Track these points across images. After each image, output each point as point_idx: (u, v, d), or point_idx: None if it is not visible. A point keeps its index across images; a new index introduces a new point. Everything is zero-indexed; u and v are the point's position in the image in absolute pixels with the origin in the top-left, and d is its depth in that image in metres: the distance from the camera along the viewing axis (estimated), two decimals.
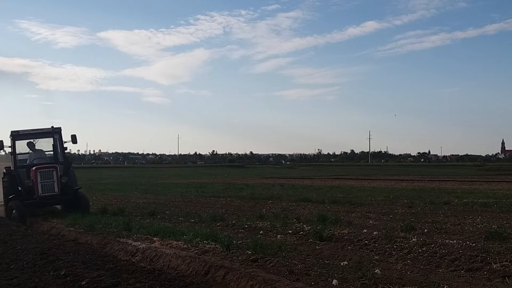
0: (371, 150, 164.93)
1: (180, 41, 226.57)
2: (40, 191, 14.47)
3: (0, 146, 15.41)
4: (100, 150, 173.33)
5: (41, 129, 16.04)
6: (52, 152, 16.26)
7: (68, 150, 17.13)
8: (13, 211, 14.38)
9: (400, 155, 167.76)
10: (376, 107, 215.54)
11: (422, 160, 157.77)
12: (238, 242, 8.13)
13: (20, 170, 15.44)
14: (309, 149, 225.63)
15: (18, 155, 15.89)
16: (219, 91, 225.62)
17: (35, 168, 14.61)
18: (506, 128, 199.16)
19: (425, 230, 9.71)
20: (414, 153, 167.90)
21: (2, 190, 16.11)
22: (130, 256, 8.12)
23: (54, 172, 14.71)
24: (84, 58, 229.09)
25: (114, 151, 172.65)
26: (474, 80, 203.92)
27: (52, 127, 15.84)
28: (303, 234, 9.55)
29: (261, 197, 20.66)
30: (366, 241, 8.43)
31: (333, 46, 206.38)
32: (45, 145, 16.61)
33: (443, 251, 7.29)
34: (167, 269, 7.05)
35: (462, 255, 6.92)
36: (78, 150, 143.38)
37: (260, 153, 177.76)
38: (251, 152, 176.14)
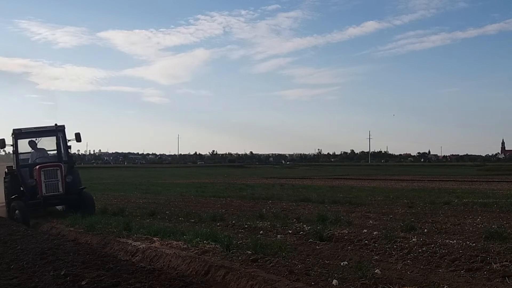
0: (371, 150, 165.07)
1: (180, 41, 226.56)
2: (44, 191, 14.06)
3: (2, 144, 14.94)
4: (100, 150, 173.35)
5: (44, 127, 15.68)
6: (54, 151, 15.93)
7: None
8: (16, 211, 13.91)
9: (400, 155, 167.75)
10: (376, 107, 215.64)
11: (422, 160, 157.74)
12: (238, 242, 8.13)
13: (23, 170, 15.00)
14: (309, 149, 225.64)
15: (20, 155, 15.41)
16: (219, 91, 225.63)
17: (39, 167, 14.21)
18: (506, 128, 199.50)
19: (425, 230, 9.71)
20: (414, 153, 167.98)
21: (3, 190, 15.71)
22: (130, 256, 8.12)
23: (59, 171, 14.30)
24: (84, 58, 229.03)
25: (114, 151, 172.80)
26: (474, 80, 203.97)
27: (56, 124, 15.43)
28: (303, 234, 9.55)
29: (261, 197, 20.67)
30: (366, 241, 8.43)
31: (333, 46, 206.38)
32: (47, 143, 16.19)
33: (443, 251, 7.28)
34: (167, 269, 7.05)
35: (462, 255, 6.92)
36: (78, 150, 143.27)
37: (260, 153, 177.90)
38: (251, 152, 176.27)
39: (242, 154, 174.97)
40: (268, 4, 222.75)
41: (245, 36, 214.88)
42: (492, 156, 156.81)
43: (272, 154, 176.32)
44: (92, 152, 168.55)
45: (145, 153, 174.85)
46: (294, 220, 12.05)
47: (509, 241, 7.87)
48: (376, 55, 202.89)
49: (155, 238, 9.07)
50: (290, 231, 9.99)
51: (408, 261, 6.90)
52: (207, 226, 11.09)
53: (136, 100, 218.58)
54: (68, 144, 15.57)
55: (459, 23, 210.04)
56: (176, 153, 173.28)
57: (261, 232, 10.16)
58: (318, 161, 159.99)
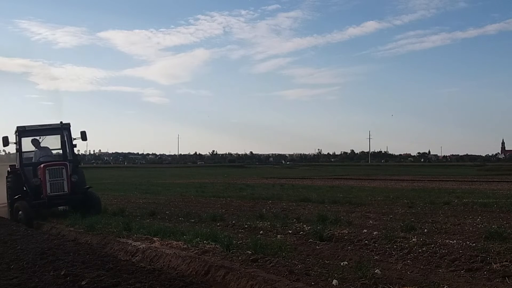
0: (371, 150, 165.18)
1: (180, 41, 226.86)
2: (48, 190, 13.65)
3: (5, 142, 14.47)
4: (100, 150, 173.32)
5: (49, 125, 15.19)
6: (58, 150, 15.50)
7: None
8: (19, 212, 13.52)
9: (400, 155, 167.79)
10: (376, 107, 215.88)
11: (422, 160, 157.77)
12: (238, 242, 8.12)
13: (26, 169, 14.56)
14: (309, 149, 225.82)
15: (23, 153, 14.90)
16: (219, 91, 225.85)
17: (44, 166, 13.80)
18: (506, 128, 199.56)
19: (425, 230, 9.71)
20: (414, 153, 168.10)
21: (5, 190, 15.39)
22: (130, 256, 8.11)
23: (64, 170, 13.87)
24: (84, 58, 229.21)
25: (114, 151, 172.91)
26: (474, 80, 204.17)
27: (61, 122, 14.99)
28: (303, 234, 9.55)
29: (261, 197, 20.66)
30: (366, 241, 8.43)
31: (333, 46, 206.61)
32: (51, 142, 15.82)
33: (443, 251, 7.28)
34: (167, 269, 7.04)
35: (462, 255, 6.91)
36: (78, 150, 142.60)
37: (260, 153, 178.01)
38: (251, 152, 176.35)
39: (242, 154, 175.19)
40: (268, 4, 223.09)
41: (245, 36, 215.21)
42: (492, 156, 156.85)
43: (272, 154, 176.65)
44: (92, 152, 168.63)
45: (145, 153, 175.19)
46: (294, 220, 12.05)
47: (509, 241, 7.87)
48: (376, 55, 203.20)
49: (155, 238, 9.06)
50: (290, 231, 9.99)
51: (408, 261, 6.89)
52: (207, 226, 11.09)
53: (136, 100, 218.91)
54: (74, 142, 15.21)
55: (459, 23, 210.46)
56: (176, 153, 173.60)
57: (261, 232, 10.15)
58: (318, 161, 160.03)
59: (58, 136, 15.39)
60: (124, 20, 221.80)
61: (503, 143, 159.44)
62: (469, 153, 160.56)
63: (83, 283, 5.92)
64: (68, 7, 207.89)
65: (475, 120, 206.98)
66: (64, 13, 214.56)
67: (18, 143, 14.69)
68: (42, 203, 13.85)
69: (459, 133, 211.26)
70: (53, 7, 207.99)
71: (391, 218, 12.40)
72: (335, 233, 9.30)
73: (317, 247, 8.19)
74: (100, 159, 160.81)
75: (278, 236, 9.53)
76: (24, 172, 14.51)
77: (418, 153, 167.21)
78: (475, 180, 41.25)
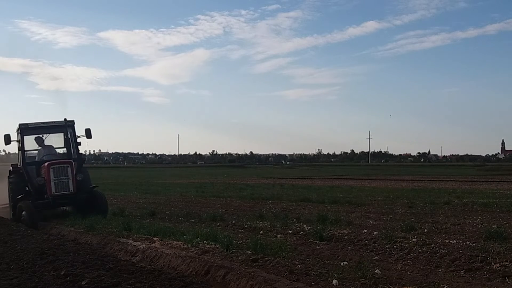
0: (371, 150, 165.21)
1: (180, 41, 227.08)
2: (53, 190, 13.14)
3: (7, 140, 13.81)
4: (100, 150, 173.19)
5: (52, 122, 14.59)
6: (61, 149, 15.16)
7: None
8: (23, 213, 12.99)
9: (400, 155, 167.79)
10: (376, 107, 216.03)
11: (422, 160, 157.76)
12: (238, 242, 8.12)
13: (29, 167, 14.08)
14: (309, 149, 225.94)
15: (25, 152, 14.45)
16: (219, 91, 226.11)
17: (48, 164, 13.27)
18: (506, 128, 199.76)
19: (425, 230, 9.71)
20: (414, 153, 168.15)
21: (7, 190, 14.96)
22: (130, 256, 8.11)
23: (69, 169, 13.35)
24: (84, 58, 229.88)
25: (114, 151, 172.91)
26: (474, 80, 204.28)
27: (65, 119, 14.39)
28: (303, 234, 9.55)
29: (261, 197, 20.66)
30: (366, 241, 8.42)
31: (334, 46, 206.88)
32: (54, 140, 15.38)
33: (443, 251, 7.28)
34: (167, 269, 7.04)
35: (462, 255, 6.91)
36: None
37: (260, 153, 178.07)
38: (251, 152, 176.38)
39: (242, 154, 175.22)
40: (268, 4, 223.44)
41: (245, 36, 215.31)
42: (492, 156, 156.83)
43: (272, 154, 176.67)
44: (92, 152, 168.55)
45: (145, 153, 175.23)
46: (294, 220, 12.05)
47: (509, 241, 7.87)
48: (376, 55, 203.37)
49: (155, 238, 9.06)
50: (290, 231, 9.99)
51: (408, 261, 6.89)
52: (207, 226, 11.09)
53: (136, 100, 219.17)
54: (78, 140, 14.74)
55: (459, 23, 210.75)
56: (176, 153, 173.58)
57: (261, 232, 10.15)
58: (318, 161, 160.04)
59: (62, 134, 15.02)
60: (124, 20, 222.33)
61: (503, 143, 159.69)
62: (469, 153, 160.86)
63: (83, 283, 5.92)
64: (68, 7, 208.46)
65: (475, 120, 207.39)
66: (64, 13, 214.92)
67: (21, 141, 14.23)
68: (46, 203, 13.42)
69: (459, 133, 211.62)
70: (53, 7, 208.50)
71: (391, 218, 12.40)
72: (335, 233, 9.30)
73: (317, 247, 8.19)
74: (100, 159, 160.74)
75: (278, 236, 9.53)
76: (27, 171, 14.05)
77: (418, 153, 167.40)
78: (475, 180, 41.24)
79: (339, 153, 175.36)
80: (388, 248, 7.77)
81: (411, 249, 7.52)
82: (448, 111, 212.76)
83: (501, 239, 8.05)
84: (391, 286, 5.44)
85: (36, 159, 14.67)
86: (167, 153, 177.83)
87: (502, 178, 44.19)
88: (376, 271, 5.97)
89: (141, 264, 7.41)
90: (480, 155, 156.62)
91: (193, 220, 12.73)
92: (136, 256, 8.05)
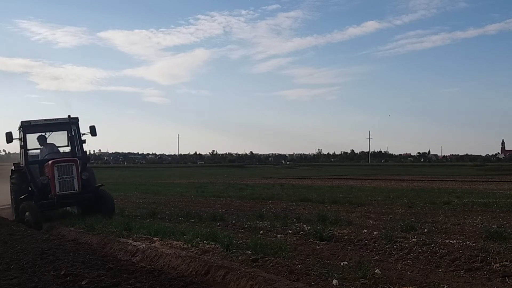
0: (371, 150, 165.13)
1: (180, 41, 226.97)
2: (57, 189, 12.65)
3: (8, 138, 13.34)
4: (100, 150, 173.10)
5: (55, 119, 14.12)
6: (65, 147, 14.79)
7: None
8: (26, 213, 12.50)
9: (400, 155, 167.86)
10: (376, 107, 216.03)
11: (422, 160, 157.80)
12: (238, 242, 8.12)
13: (32, 166, 13.59)
14: (309, 149, 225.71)
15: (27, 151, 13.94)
16: (219, 91, 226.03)
17: (52, 162, 12.79)
18: (506, 128, 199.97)
19: (425, 230, 9.71)
20: (414, 153, 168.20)
21: (9, 190, 14.53)
22: (130, 256, 8.11)
23: (74, 167, 12.85)
24: (84, 58, 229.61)
25: (114, 151, 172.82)
26: (474, 80, 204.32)
27: (69, 116, 13.98)
28: (303, 234, 9.54)
29: (261, 197, 20.66)
30: (366, 241, 8.42)
31: (334, 46, 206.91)
32: (57, 138, 14.95)
33: (443, 251, 7.28)
34: (167, 269, 7.04)
35: (462, 255, 6.91)
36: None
37: (260, 153, 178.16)
38: (251, 152, 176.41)
39: (242, 154, 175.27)
40: (268, 4, 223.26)
41: (245, 36, 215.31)
42: (492, 156, 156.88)
43: (272, 154, 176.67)
44: (92, 152, 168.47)
45: (145, 153, 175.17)
46: (294, 220, 12.04)
47: (509, 241, 7.87)
48: (376, 55, 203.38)
49: (155, 238, 9.06)
50: (290, 231, 9.99)
51: (408, 261, 6.89)
52: (207, 226, 11.09)
53: (136, 100, 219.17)
54: (82, 138, 14.15)
55: (459, 23, 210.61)
56: (176, 153, 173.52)
57: (261, 232, 10.15)
58: (318, 161, 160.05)
59: (64, 133, 14.66)
60: (124, 20, 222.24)
61: (503, 143, 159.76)
62: (469, 153, 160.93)
63: (83, 283, 5.92)
64: (68, 7, 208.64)
65: (475, 120, 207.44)
66: (64, 13, 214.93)
67: (23, 139, 13.74)
68: (51, 203, 12.94)
69: (459, 133, 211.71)
70: (53, 7, 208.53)
71: (391, 218, 12.40)
72: (335, 233, 9.30)
73: (317, 247, 8.19)
74: (100, 159, 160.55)
75: (278, 236, 9.53)
76: (30, 170, 13.59)
77: (418, 153, 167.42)
78: (475, 180, 41.26)
79: (339, 153, 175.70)
80: (388, 248, 7.77)
81: (411, 249, 7.52)
82: (448, 111, 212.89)
83: (501, 239, 8.05)
84: (391, 286, 5.44)
85: (38, 158, 14.22)
86: (167, 153, 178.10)
87: (502, 178, 44.22)
88: (376, 271, 5.97)
89: (141, 264, 7.41)
90: (480, 155, 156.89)
91: (193, 220, 12.72)
92: (136, 256, 8.05)
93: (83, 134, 14.11)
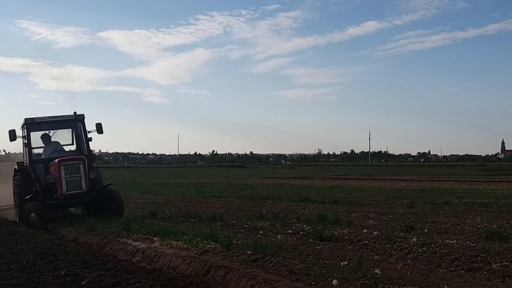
0: (371, 150, 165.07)
1: (180, 41, 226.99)
2: (64, 189, 12.20)
3: (12, 136, 12.97)
4: (100, 150, 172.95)
5: (61, 117, 13.66)
6: (69, 146, 14.39)
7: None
8: (32, 214, 12.15)
9: (400, 155, 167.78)
10: (376, 107, 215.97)
11: (422, 160, 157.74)
12: (238, 242, 8.12)
13: (36, 165, 13.17)
14: (309, 149, 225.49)
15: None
16: (219, 91, 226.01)
17: (59, 160, 12.38)
18: (506, 128, 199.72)
19: (425, 230, 9.71)
20: (414, 153, 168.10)
21: (11, 191, 14.10)
22: (130, 256, 8.11)
23: (81, 165, 12.43)
24: (84, 58, 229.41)
25: (114, 151, 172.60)
26: (474, 80, 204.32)
27: (75, 113, 13.47)
28: (303, 234, 9.54)
29: (261, 197, 20.66)
30: (366, 241, 8.42)
31: (334, 46, 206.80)
32: (61, 136, 14.52)
33: (443, 251, 7.28)
34: (167, 269, 7.04)
35: (462, 255, 6.91)
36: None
37: (260, 153, 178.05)
38: (251, 152, 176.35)
39: (242, 154, 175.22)
40: (268, 4, 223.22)
41: (245, 36, 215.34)
42: (492, 156, 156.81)
43: (272, 154, 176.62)
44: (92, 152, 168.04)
45: (145, 153, 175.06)
46: (294, 220, 12.04)
47: (509, 241, 7.86)
48: (376, 55, 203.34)
49: (155, 238, 9.06)
50: (290, 231, 9.99)
51: (408, 261, 6.89)
52: (207, 226, 11.08)
53: (136, 100, 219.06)
54: (88, 136, 13.74)
55: (459, 23, 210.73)
56: (176, 153, 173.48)
57: (261, 232, 10.15)
58: (318, 161, 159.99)
59: (69, 131, 14.31)
60: (124, 20, 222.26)
61: (503, 143, 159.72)
62: (469, 153, 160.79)
63: (83, 283, 5.92)
64: (68, 7, 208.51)
65: (475, 120, 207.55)
66: (64, 13, 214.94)
67: (27, 137, 13.30)
68: (57, 204, 12.51)
69: (459, 133, 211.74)
70: (53, 7, 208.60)
71: (391, 218, 12.39)
72: (335, 233, 9.30)
73: (317, 247, 8.18)
74: (100, 159, 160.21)
75: (278, 236, 9.53)
76: (35, 169, 13.14)
77: (418, 153, 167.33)
78: (475, 180, 41.25)
79: (339, 153, 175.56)
80: (388, 248, 7.77)
81: (411, 249, 7.51)
82: (448, 111, 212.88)
83: (501, 239, 8.04)
84: (391, 286, 5.44)
85: (42, 157, 13.84)
86: (167, 153, 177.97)
87: (502, 178, 44.19)
88: (376, 271, 5.97)
89: (141, 264, 7.41)
90: (480, 155, 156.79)
91: (193, 220, 12.72)
92: (136, 256, 8.05)
93: (89, 132, 13.71)
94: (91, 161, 13.65)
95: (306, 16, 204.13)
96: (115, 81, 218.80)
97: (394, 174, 63.25)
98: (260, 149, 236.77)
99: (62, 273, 6.41)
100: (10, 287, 5.90)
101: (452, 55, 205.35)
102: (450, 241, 8.07)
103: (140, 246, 8.42)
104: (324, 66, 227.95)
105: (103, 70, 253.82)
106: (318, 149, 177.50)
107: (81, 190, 12.43)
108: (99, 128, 13.43)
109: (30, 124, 13.37)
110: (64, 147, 14.49)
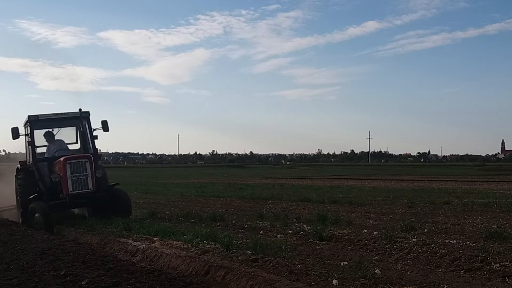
0: (371, 150, 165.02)
1: (180, 41, 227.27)
2: (70, 188, 11.82)
3: (14, 134, 12.58)
4: (100, 150, 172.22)
5: (65, 114, 13.28)
6: (74, 144, 14.08)
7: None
8: (36, 215, 11.67)
9: (400, 155, 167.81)
10: (376, 107, 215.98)
11: (422, 160, 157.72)
12: (238, 242, 8.12)
13: (40, 164, 12.80)
14: (309, 149, 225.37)
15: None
16: (219, 91, 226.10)
17: (64, 159, 12.01)
18: (506, 128, 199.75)
19: (425, 230, 9.71)
20: (414, 153, 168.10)
21: (14, 191, 13.79)
22: (130, 256, 8.11)
23: (88, 164, 12.05)
24: (84, 58, 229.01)
25: (114, 151, 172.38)
26: (474, 80, 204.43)
27: (80, 110, 13.11)
28: (303, 234, 9.54)
29: (261, 197, 20.65)
30: (366, 241, 8.42)
31: (334, 46, 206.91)
32: (65, 134, 14.19)
33: (443, 251, 7.27)
34: (167, 269, 7.04)
35: (462, 255, 6.91)
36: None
37: (260, 153, 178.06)
38: (251, 152, 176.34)
39: (242, 154, 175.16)
40: (268, 4, 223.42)
41: (245, 36, 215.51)
42: (492, 156, 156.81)
43: (272, 154, 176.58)
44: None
45: (145, 153, 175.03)
46: (294, 220, 12.04)
47: (509, 241, 7.86)
48: (376, 55, 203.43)
49: (155, 238, 9.06)
50: (290, 231, 9.98)
51: (408, 261, 6.89)
52: (207, 226, 11.08)
53: (136, 100, 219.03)
54: (94, 134, 13.39)
55: (459, 23, 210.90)
56: (176, 153, 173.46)
57: (261, 232, 10.15)
58: (318, 161, 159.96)
59: (73, 129, 14.01)
60: (124, 20, 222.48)
61: (503, 143, 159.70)
62: (469, 153, 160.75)
63: (83, 283, 5.92)
64: (68, 7, 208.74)
65: (475, 120, 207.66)
66: (64, 13, 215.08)
67: (30, 135, 12.92)
68: (62, 204, 12.09)
69: (459, 133, 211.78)
70: (53, 7, 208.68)
71: (391, 218, 12.39)
72: (335, 233, 9.29)
73: (317, 247, 8.18)
74: (100, 159, 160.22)
75: (278, 236, 9.53)
76: (38, 168, 12.76)
77: (418, 153, 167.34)
78: (475, 180, 41.25)
79: (339, 153, 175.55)
80: (388, 248, 7.77)
81: (411, 249, 7.51)
82: (448, 111, 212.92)
83: (501, 239, 8.04)
84: (391, 286, 5.44)
85: (45, 156, 13.45)
86: (167, 153, 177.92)
87: (502, 178, 44.18)
88: (376, 271, 5.97)
89: (141, 264, 7.41)
90: (480, 155, 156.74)
91: (193, 220, 12.71)
92: (136, 256, 8.05)
93: (95, 130, 13.39)
94: (97, 160, 13.28)
95: (306, 16, 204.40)
96: (115, 81, 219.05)
97: (394, 174, 63.25)
98: (260, 149, 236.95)
99: (62, 273, 6.41)
100: (10, 287, 5.90)
101: (452, 55, 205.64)
102: (450, 241, 8.07)
103: (140, 246, 8.42)
104: (324, 66, 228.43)
105: (103, 70, 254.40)
106: (318, 149, 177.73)
107: (88, 189, 12.08)
108: (104, 126, 13.13)
109: (34, 122, 13.03)
110: (67, 145, 14.15)
